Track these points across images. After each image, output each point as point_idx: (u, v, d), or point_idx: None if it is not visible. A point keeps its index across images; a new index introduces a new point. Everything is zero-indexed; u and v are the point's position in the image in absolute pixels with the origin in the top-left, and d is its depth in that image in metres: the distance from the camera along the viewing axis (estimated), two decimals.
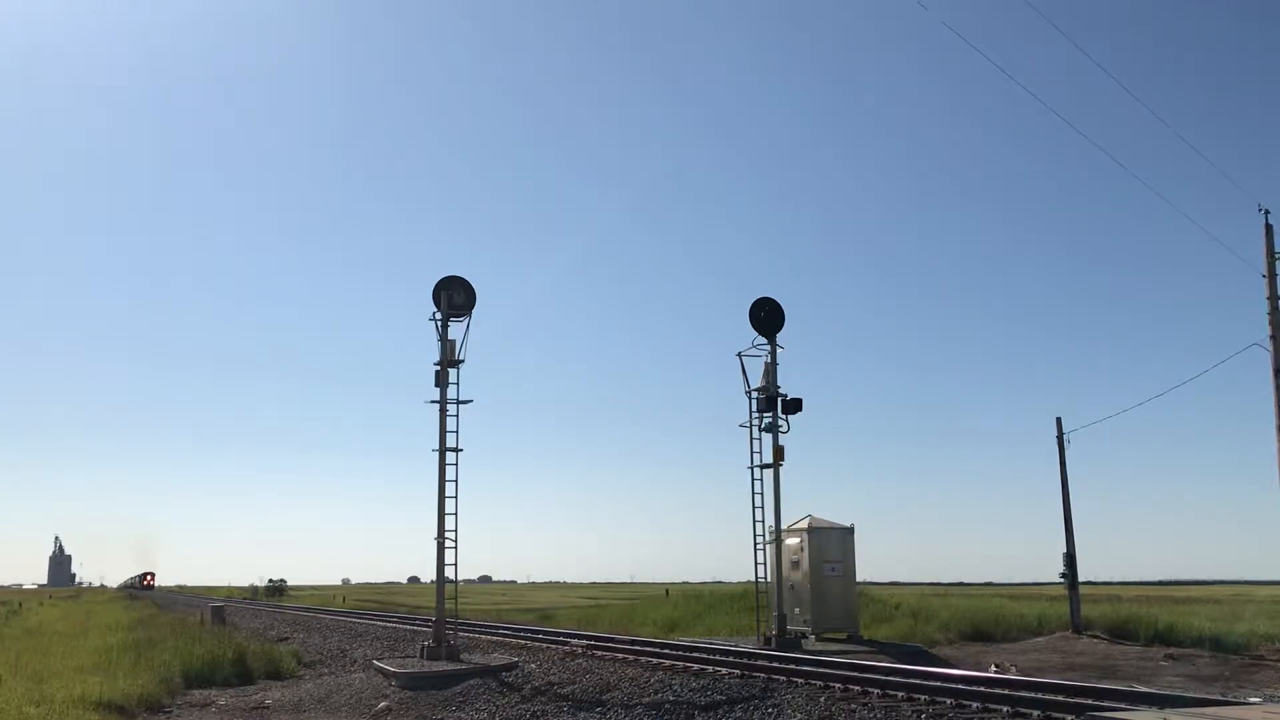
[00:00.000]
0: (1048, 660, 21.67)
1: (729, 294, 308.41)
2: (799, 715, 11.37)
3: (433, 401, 19.13)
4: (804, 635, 23.39)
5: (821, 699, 11.92)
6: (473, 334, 19.47)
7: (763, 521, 22.25)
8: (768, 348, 22.93)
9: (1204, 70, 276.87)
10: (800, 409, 22.40)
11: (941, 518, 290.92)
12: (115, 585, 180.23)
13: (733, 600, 36.35)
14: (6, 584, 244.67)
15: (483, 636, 23.60)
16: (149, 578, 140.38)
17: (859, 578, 25.90)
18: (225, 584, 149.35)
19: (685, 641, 21.37)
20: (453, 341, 19.32)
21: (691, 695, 12.98)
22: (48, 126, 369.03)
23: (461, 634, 20.86)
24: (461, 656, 18.63)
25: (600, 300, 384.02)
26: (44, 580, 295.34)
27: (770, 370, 22.71)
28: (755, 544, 22.24)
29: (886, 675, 13.19)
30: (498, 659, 18.28)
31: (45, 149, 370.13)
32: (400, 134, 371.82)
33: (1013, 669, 18.58)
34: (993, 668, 18.75)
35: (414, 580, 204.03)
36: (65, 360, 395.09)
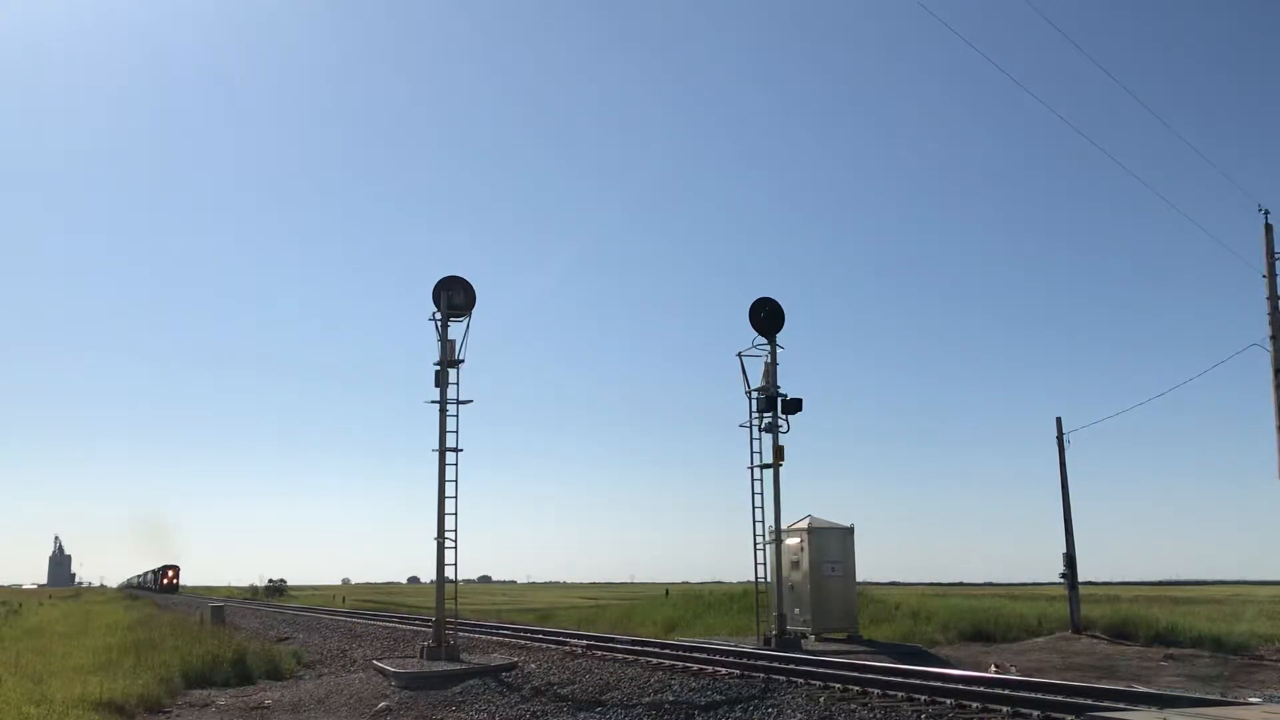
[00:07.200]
0: (1047, 660, 21.67)
1: (729, 294, 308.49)
2: (799, 715, 11.37)
3: (433, 401, 19.13)
4: (804, 635, 23.38)
5: (821, 699, 11.92)
6: (473, 334, 19.48)
7: (763, 521, 22.26)
8: (768, 348, 22.92)
9: (1204, 70, 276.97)
10: (800, 409, 22.40)
11: (941, 518, 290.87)
12: (116, 585, 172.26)
13: (733, 600, 36.37)
14: (6, 584, 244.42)
15: (482, 636, 23.59)
16: (169, 574, 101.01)
17: (859, 578, 25.90)
18: (225, 584, 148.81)
19: (685, 641, 21.36)
20: (453, 341, 19.32)
21: (691, 695, 12.98)
22: (48, 126, 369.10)
23: (461, 634, 20.85)
24: (461, 656, 18.63)
25: (600, 300, 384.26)
26: (44, 580, 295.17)
27: (770, 370, 22.70)
28: (755, 544, 22.24)
29: (886, 675, 13.18)
30: (497, 659, 18.28)
31: (45, 149, 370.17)
32: (400, 134, 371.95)
33: (1012, 669, 18.58)
34: (993, 668, 18.75)
35: (414, 580, 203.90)
36: (65, 360, 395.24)
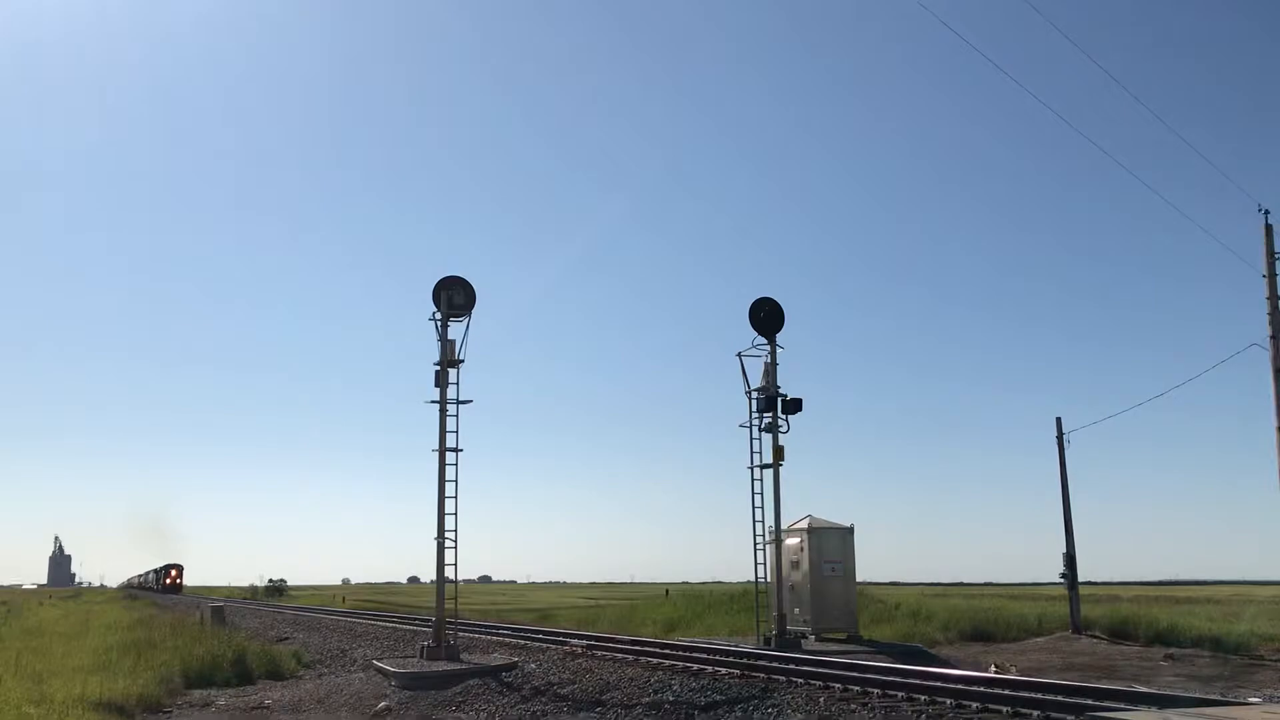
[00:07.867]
0: (1048, 660, 21.68)
1: (729, 294, 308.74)
2: (799, 715, 11.36)
3: (433, 401, 19.12)
4: (804, 635, 23.38)
5: (821, 699, 11.91)
6: (472, 334, 19.47)
7: (763, 521, 22.24)
8: (768, 348, 22.91)
9: (1204, 70, 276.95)
10: (800, 409, 22.39)
11: (941, 518, 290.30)
12: (116, 585, 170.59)
13: (733, 600, 36.36)
14: (6, 584, 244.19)
15: (482, 636, 23.59)
16: (172, 574, 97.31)
17: (859, 578, 25.90)
18: (225, 584, 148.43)
19: (685, 641, 21.36)
20: (453, 341, 19.31)
21: (691, 695, 12.97)
22: (48, 126, 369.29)
23: (461, 634, 20.85)
24: (461, 656, 18.62)
25: (600, 300, 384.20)
26: (44, 580, 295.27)
27: (770, 370, 22.69)
28: (755, 544, 22.23)
29: (886, 675, 13.18)
30: (497, 659, 18.28)
31: (45, 149, 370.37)
32: (400, 134, 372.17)
33: (1013, 669, 18.58)
34: (993, 668, 18.75)
35: (414, 580, 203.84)
36: (65, 360, 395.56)
